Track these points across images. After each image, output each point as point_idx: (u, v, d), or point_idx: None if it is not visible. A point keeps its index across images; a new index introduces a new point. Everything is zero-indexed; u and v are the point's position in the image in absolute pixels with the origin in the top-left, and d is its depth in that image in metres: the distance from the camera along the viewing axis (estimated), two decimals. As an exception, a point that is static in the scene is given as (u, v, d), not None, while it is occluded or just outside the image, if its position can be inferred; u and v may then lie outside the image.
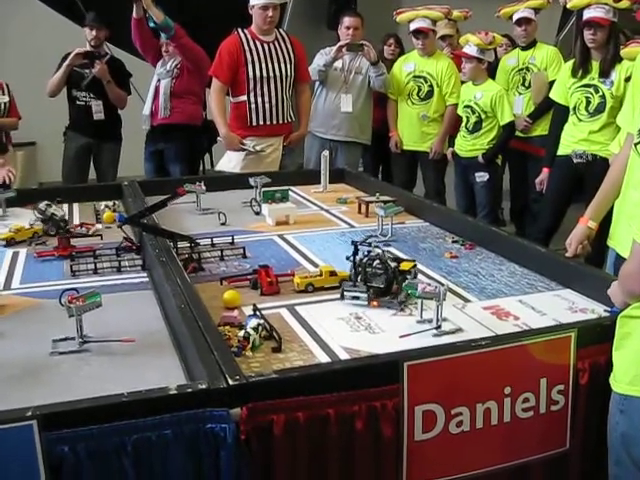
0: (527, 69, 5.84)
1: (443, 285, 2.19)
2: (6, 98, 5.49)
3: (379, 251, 2.49)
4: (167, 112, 5.50)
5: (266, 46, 4.87)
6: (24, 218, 3.53)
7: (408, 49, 6.17)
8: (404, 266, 2.49)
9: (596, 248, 2.93)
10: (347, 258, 2.52)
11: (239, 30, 4.89)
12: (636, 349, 1.75)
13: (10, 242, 3.11)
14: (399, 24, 6.07)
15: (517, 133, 5.78)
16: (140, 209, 3.13)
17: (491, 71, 6.02)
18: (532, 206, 5.80)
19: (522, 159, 5.98)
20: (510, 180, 6.46)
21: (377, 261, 2.43)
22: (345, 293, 2.40)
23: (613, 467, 1.84)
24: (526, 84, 5.84)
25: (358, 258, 2.45)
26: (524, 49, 5.88)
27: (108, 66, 5.61)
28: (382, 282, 2.39)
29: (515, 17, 5.80)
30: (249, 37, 4.86)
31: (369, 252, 2.49)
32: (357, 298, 2.38)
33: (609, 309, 2.24)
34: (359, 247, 2.50)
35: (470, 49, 5.24)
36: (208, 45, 5.24)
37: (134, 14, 5.23)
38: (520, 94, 5.86)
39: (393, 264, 2.45)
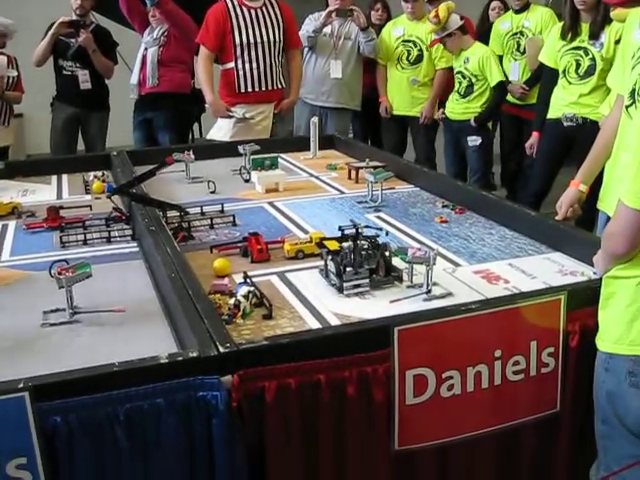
0: (521, 33, 5.76)
1: (433, 250, 2.19)
2: (15, 72, 5.57)
3: (370, 232, 2.37)
4: (155, 81, 5.45)
5: (253, 12, 4.81)
6: (12, 191, 3.52)
7: (395, 14, 6.12)
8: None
9: (586, 211, 2.93)
10: (340, 229, 2.41)
11: (226, -4, 4.84)
12: (620, 308, 1.77)
13: None
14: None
15: (514, 100, 5.76)
16: (129, 179, 3.11)
17: (483, 36, 5.98)
18: (526, 171, 5.79)
19: (516, 123, 5.95)
20: (502, 144, 6.45)
21: (364, 242, 2.29)
22: (345, 284, 2.19)
23: (600, 425, 1.86)
24: (521, 49, 5.75)
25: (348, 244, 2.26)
26: (517, 12, 5.80)
27: (94, 35, 5.57)
28: (374, 263, 2.26)
29: None
30: (236, 3, 4.81)
31: (358, 234, 2.34)
32: (358, 286, 2.21)
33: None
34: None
35: (436, 35, 5.29)
36: (195, 13, 5.19)
37: None
38: (515, 60, 5.80)
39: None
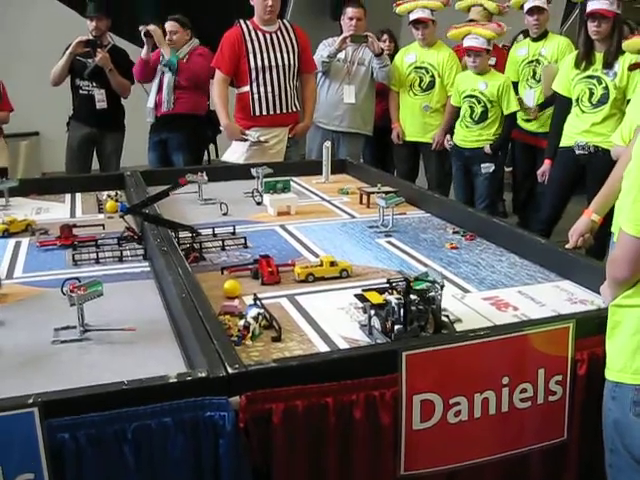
0: (537, 61, 5.73)
1: (439, 273, 2.16)
2: None
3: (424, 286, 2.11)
4: (171, 105, 5.51)
5: (268, 36, 4.86)
6: (26, 208, 3.56)
7: (402, 44, 6.15)
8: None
9: (597, 240, 2.93)
10: (388, 282, 2.15)
11: (241, 21, 4.90)
12: (625, 337, 1.78)
13: (4, 234, 3.11)
14: (400, 16, 6.06)
15: (527, 128, 5.76)
16: (142, 199, 3.14)
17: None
18: (538, 198, 5.75)
19: (530, 151, 5.94)
20: (514, 172, 6.45)
21: (415, 297, 2.06)
22: None
23: (608, 455, 1.86)
24: (537, 77, 5.72)
25: (395, 299, 2.05)
26: (535, 40, 5.77)
27: (111, 55, 5.62)
28: (424, 320, 2.05)
29: (526, 6, 5.64)
30: (251, 28, 4.86)
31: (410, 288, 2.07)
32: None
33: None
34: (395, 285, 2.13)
35: (478, 41, 5.20)
36: (211, 37, 5.24)
37: (142, 55, 5.48)
38: (531, 87, 5.76)
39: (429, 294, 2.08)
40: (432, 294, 2.09)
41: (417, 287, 2.10)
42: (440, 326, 2.08)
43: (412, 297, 2.05)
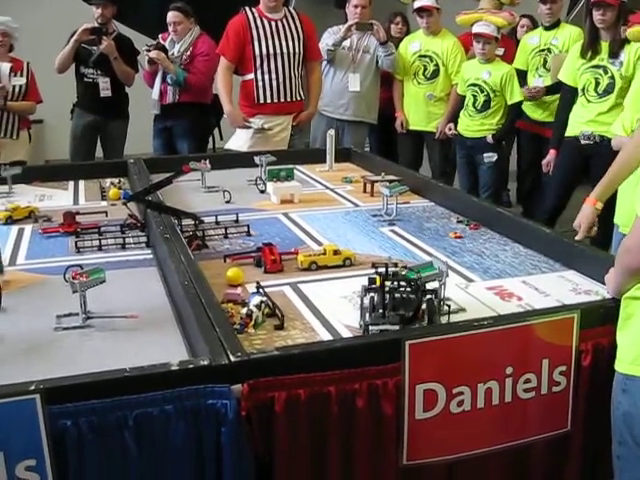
0: (549, 50, 5.70)
1: (444, 263, 2.16)
2: (22, 80, 5.30)
3: (404, 272, 2.11)
4: (176, 97, 5.52)
5: (273, 23, 4.84)
6: (30, 195, 3.55)
7: (414, 28, 6.12)
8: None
9: (602, 230, 2.92)
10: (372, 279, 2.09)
11: (247, 9, 4.88)
12: (638, 330, 1.76)
13: (7, 221, 3.10)
14: (405, 4, 6.03)
15: (533, 117, 5.72)
16: (145, 186, 3.13)
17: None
18: (544, 188, 5.72)
19: (535, 141, 5.91)
20: (519, 162, 6.42)
21: (404, 283, 2.05)
22: (371, 327, 1.98)
23: (616, 447, 1.85)
24: (547, 66, 5.68)
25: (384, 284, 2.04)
26: (547, 29, 5.73)
27: (116, 43, 5.60)
28: (412, 309, 2.00)
29: None
30: (256, 15, 4.84)
31: (389, 274, 2.07)
32: (387, 331, 1.97)
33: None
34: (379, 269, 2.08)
35: (489, 29, 5.17)
36: (216, 25, 5.22)
37: (147, 69, 5.56)
38: (540, 76, 5.72)
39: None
40: (421, 281, 2.05)
41: (407, 275, 2.09)
42: (431, 321, 2.02)
43: (402, 284, 2.05)
